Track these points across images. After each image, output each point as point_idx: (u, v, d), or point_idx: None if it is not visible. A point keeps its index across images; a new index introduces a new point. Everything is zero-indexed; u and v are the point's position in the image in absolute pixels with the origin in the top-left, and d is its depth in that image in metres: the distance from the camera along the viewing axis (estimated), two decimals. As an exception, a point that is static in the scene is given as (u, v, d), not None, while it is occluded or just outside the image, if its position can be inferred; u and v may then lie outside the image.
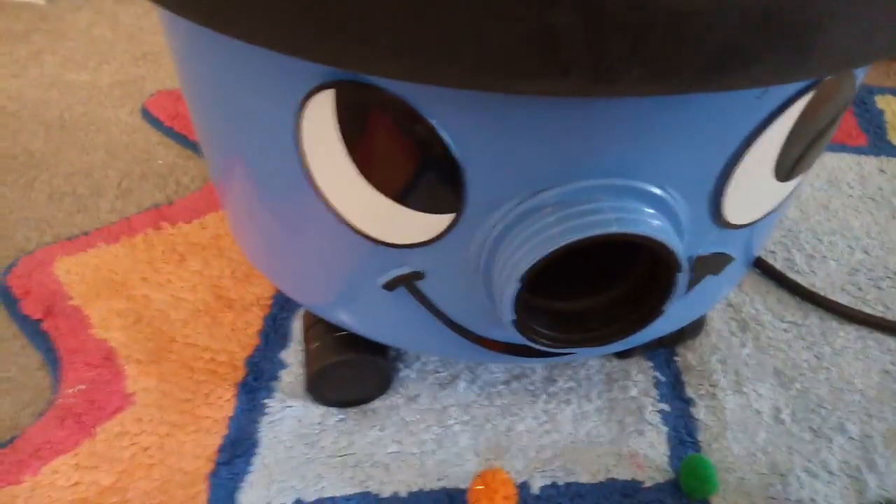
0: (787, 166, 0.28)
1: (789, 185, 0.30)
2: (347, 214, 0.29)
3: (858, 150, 0.64)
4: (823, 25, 0.20)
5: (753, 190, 0.29)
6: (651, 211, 0.26)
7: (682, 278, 0.28)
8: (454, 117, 0.24)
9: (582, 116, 0.23)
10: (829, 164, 0.62)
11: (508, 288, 0.27)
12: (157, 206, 0.55)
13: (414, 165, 0.26)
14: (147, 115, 0.67)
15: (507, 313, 0.28)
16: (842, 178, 0.61)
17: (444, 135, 0.24)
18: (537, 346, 0.30)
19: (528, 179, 0.25)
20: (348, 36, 0.20)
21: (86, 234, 0.53)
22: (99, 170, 0.61)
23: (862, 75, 0.29)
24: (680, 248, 0.27)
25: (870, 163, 0.63)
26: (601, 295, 0.31)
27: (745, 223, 0.30)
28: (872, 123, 0.68)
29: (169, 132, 0.64)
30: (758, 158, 0.26)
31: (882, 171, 0.62)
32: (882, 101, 0.71)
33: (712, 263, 0.32)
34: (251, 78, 0.26)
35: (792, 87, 0.24)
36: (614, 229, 0.25)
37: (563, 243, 0.25)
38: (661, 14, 0.18)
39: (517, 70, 0.20)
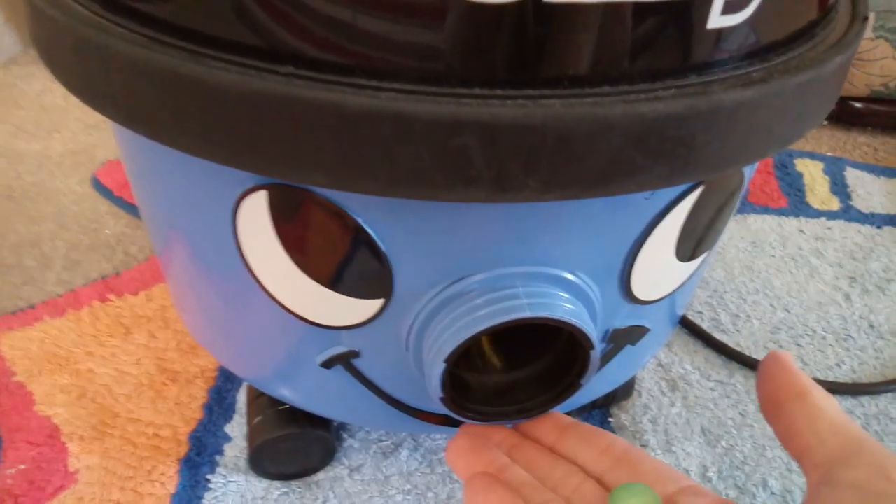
0: (688, 249, 0.31)
1: (694, 264, 0.33)
2: (283, 299, 0.30)
3: (780, 212, 0.69)
4: (697, 139, 0.23)
5: (659, 271, 0.31)
6: (565, 295, 0.29)
7: (596, 355, 0.30)
8: (378, 216, 0.26)
9: (493, 215, 0.26)
10: (753, 226, 0.66)
11: (436, 368, 0.29)
12: (105, 278, 0.56)
13: (343, 257, 0.27)
14: (97, 184, 0.68)
15: (436, 391, 0.30)
16: (765, 239, 0.65)
17: (370, 231, 0.26)
18: (467, 420, 0.32)
19: (449, 269, 0.27)
20: (275, 151, 0.22)
21: (32, 307, 0.53)
22: (47, 241, 0.61)
23: (751, 167, 0.33)
24: (592, 328, 0.29)
25: (790, 224, 0.67)
26: (525, 369, 0.33)
27: (656, 299, 0.33)
28: (793, 186, 0.72)
29: (119, 201, 0.65)
30: (658, 245, 0.29)
31: (801, 231, 0.66)
32: (801, 165, 0.76)
33: (629, 335, 0.34)
34: (191, 175, 0.28)
35: (679, 187, 0.27)
36: (528, 314, 0.27)
37: (481, 328, 0.27)
38: (549, 138, 0.21)
39: (429, 183, 0.22)
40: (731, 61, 0.24)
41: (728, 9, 0.22)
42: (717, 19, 0.22)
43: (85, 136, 0.77)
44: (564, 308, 0.28)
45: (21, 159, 0.72)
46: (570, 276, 0.29)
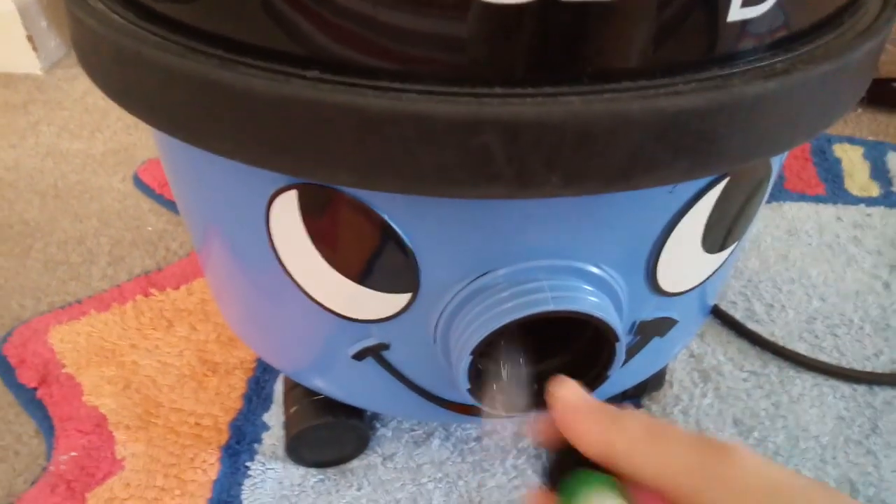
0: (716, 241, 0.31)
1: (722, 255, 0.33)
2: (315, 294, 0.31)
3: (817, 199, 0.67)
4: (718, 133, 0.23)
5: (686, 263, 0.31)
6: (589, 288, 0.29)
7: (621, 347, 0.30)
8: (405, 213, 0.27)
9: (516, 210, 0.26)
10: (788, 214, 0.65)
11: (462, 360, 0.29)
12: (147, 273, 0.58)
13: (372, 253, 0.28)
14: (139, 182, 0.70)
15: (463, 382, 0.31)
16: (801, 227, 0.64)
17: (397, 227, 0.27)
18: (493, 411, 0.33)
19: (474, 263, 0.28)
20: (303, 152, 0.23)
21: (79, 301, 0.56)
22: (91, 237, 0.64)
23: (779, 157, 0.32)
24: (617, 321, 0.29)
25: (827, 211, 0.66)
26: (552, 360, 0.34)
27: (683, 291, 0.33)
28: (830, 172, 0.71)
29: (160, 199, 0.67)
30: (684, 237, 0.29)
31: (839, 218, 0.65)
32: (840, 150, 0.74)
33: (657, 327, 0.34)
34: (225, 175, 0.29)
35: (702, 180, 0.27)
36: (552, 307, 0.27)
37: (506, 321, 0.28)
38: (569, 135, 0.21)
39: (452, 181, 0.22)
40: (754, 53, 0.24)
41: (749, 0, 0.22)
42: (737, 11, 0.22)
43: (125, 136, 0.79)
44: (589, 301, 0.28)
45: (66, 159, 0.75)
46: (594, 269, 0.29)
